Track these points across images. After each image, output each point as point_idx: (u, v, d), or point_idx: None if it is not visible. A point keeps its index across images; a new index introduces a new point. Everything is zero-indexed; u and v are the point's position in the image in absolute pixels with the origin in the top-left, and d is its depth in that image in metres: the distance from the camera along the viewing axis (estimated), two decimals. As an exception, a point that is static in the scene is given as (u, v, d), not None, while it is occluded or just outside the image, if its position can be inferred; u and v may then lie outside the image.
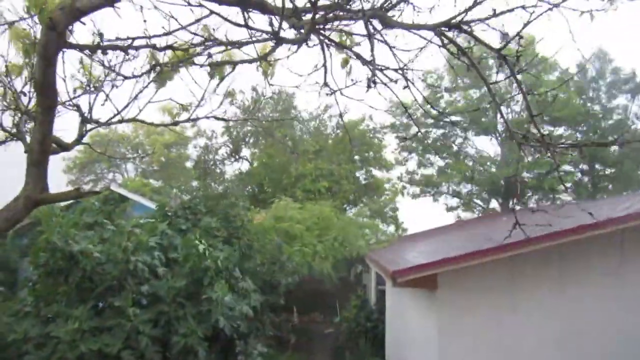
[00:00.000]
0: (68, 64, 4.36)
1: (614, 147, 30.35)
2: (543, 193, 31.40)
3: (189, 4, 3.36)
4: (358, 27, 3.79)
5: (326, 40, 3.64)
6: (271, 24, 3.25)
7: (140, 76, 4.05)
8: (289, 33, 3.35)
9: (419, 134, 29.27)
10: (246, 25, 3.27)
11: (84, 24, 3.49)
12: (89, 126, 4.86)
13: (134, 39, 3.47)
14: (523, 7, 3.23)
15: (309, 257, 17.79)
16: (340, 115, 5.14)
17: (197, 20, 3.33)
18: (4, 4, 4.35)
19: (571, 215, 7.83)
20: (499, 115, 29.91)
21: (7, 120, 5.04)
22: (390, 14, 3.30)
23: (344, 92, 4.04)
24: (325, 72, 4.06)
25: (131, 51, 3.64)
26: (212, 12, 3.21)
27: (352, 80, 4.41)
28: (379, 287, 17.89)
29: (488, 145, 33.74)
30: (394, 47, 3.50)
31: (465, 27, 3.31)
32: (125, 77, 4.03)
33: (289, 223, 18.81)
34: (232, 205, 15.01)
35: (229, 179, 32.53)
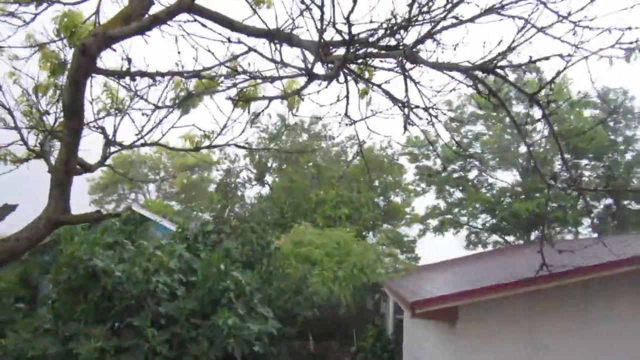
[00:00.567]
0: (94, 86, 4.47)
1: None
2: (566, 226, 30.76)
3: (220, 36, 3.41)
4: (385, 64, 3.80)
5: (353, 76, 3.66)
6: (304, 60, 3.27)
7: (171, 107, 4.11)
8: (317, 67, 3.37)
9: (443, 170, 29.16)
10: (281, 62, 3.30)
11: (114, 50, 3.58)
12: (112, 148, 4.95)
13: (164, 74, 3.53)
14: (561, 55, 3.24)
15: (329, 282, 17.63)
16: (360, 146, 5.13)
17: (234, 58, 3.37)
18: (35, 26, 4.49)
19: (595, 251, 7.65)
20: (520, 148, 29.64)
21: (31, 138, 5.14)
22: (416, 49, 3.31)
23: (364, 122, 4.05)
24: (347, 104, 4.08)
25: (158, 77, 3.71)
26: (250, 49, 3.24)
27: (372, 111, 4.44)
28: (396, 317, 17.59)
29: (508, 177, 33.19)
30: (421, 85, 3.50)
31: (499, 72, 3.32)
32: (156, 107, 4.09)
33: (308, 248, 18.71)
34: (254, 230, 15.03)
35: (251, 202, 32.67)
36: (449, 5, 3.21)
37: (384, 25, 3.27)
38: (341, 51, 3.37)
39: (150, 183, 40.04)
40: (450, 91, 3.58)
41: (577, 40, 3.35)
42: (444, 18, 3.30)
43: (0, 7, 4.89)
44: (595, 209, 31.39)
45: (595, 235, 29.31)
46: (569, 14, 3.32)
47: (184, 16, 3.55)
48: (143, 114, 4.45)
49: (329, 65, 3.28)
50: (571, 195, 29.28)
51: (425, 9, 3.25)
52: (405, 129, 3.57)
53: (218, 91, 3.82)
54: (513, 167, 31.88)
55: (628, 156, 31.45)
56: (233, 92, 3.82)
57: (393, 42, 3.25)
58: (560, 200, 27.54)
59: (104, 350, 9.04)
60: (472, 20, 3.33)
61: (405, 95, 3.39)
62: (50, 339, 9.46)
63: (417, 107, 3.66)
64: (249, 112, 4.47)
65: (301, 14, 3.22)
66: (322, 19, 2.98)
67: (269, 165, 33.27)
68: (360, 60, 3.50)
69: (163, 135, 4.82)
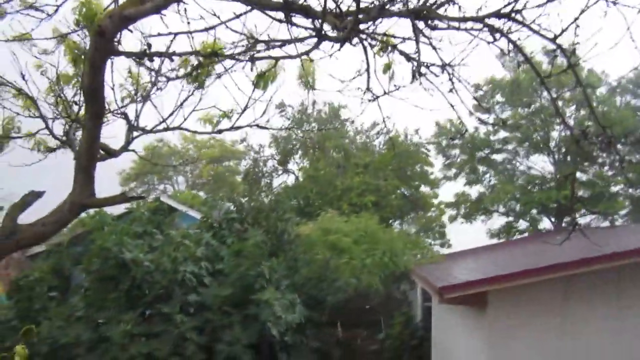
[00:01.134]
0: (116, 74, 4.47)
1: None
2: (598, 215, 29.94)
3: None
4: (400, 30, 3.69)
5: (368, 39, 3.55)
6: (314, 23, 3.20)
7: (183, 77, 4.09)
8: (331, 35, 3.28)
9: (465, 133, 28.53)
10: (289, 21, 3.22)
11: (131, 31, 3.56)
12: (135, 133, 4.96)
13: (176, 34, 3.47)
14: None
15: (358, 271, 17.57)
16: (384, 121, 5.00)
17: (238, 16, 3.29)
18: (58, 17, 4.49)
19: (630, 239, 7.41)
20: (551, 132, 28.89)
21: (58, 128, 5.19)
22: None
23: (387, 96, 3.94)
24: (368, 77, 3.98)
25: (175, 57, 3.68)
26: (253, 7, 3.17)
27: (395, 86, 4.31)
28: (425, 304, 17.46)
29: (539, 163, 32.33)
30: (439, 48, 3.37)
31: (517, 17, 3.15)
32: (169, 79, 4.08)
33: (337, 236, 18.66)
34: (279, 219, 15.06)
35: (276, 191, 32.84)
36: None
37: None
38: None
39: (174, 168, 40.67)
40: (469, 43, 3.39)
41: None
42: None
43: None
44: (631, 197, 30.54)
45: (631, 223, 28.56)
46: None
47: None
48: (158, 89, 4.44)
49: (344, 30, 3.19)
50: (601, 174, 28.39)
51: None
52: (414, 77, 3.43)
53: (227, 57, 3.73)
54: (544, 153, 31.11)
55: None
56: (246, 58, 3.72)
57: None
58: (595, 183, 26.89)
59: (134, 335, 9.19)
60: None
61: (416, 48, 3.24)
62: (82, 326, 9.66)
63: (432, 64, 3.54)
64: (263, 87, 4.37)
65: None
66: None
67: (294, 152, 33.33)
68: (372, 23, 3.39)
69: (185, 119, 4.82)
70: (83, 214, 13.75)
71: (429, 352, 15.08)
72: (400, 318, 17.72)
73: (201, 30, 3.36)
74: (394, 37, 3.57)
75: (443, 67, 3.51)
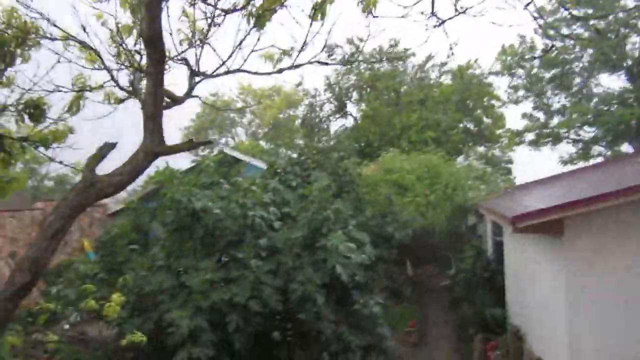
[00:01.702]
0: (172, 19, 4.42)
1: None
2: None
3: None
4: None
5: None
6: None
7: (240, 9, 3.99)
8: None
9: (551, 48, 26.72)
10: None
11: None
12: (197, 79, 4.95)
13: None
14: None
15: (422, 207, 17.47)
16: (451, 47, 4.69)
17: None
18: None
19: None
20: (627, 46, 26.75)
21: (123, 79, 5.25)
22: None
23: (451, 24, 3.70)
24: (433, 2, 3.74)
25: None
26: None
27: (460, 7, 4.05)
28: (495, 238, 17.16)
29: (615, 83, 30.16)
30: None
31: None
32: (226, 11, 3.99)
33: (399, 174, 18.52)
34: (341, 160, 15.05)
35: (335, 134, 32.81)
36: None
37: None
38: None
39: (238, 111, 41.80)
40: None
41: None
42: None
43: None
44: None
45: None
46: None
47: None
48: (215, 24, 4.36)
49: None
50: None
51: None
52: None
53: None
54: (620, 71, 28.96)
55: None
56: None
57: None
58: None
59: (214, 282, 9.56)
60: None
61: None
62: (164, 275, 10.12)
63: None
64: (322, 17, 4.20)
65: None
66: None
67: (349, 95, 32.96)
68: None
69: (245, 60, 4.76)
70: (153, 169, 14.30)
71: (503, 285, 14.94)
72: (470, 252, 17.52)
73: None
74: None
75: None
